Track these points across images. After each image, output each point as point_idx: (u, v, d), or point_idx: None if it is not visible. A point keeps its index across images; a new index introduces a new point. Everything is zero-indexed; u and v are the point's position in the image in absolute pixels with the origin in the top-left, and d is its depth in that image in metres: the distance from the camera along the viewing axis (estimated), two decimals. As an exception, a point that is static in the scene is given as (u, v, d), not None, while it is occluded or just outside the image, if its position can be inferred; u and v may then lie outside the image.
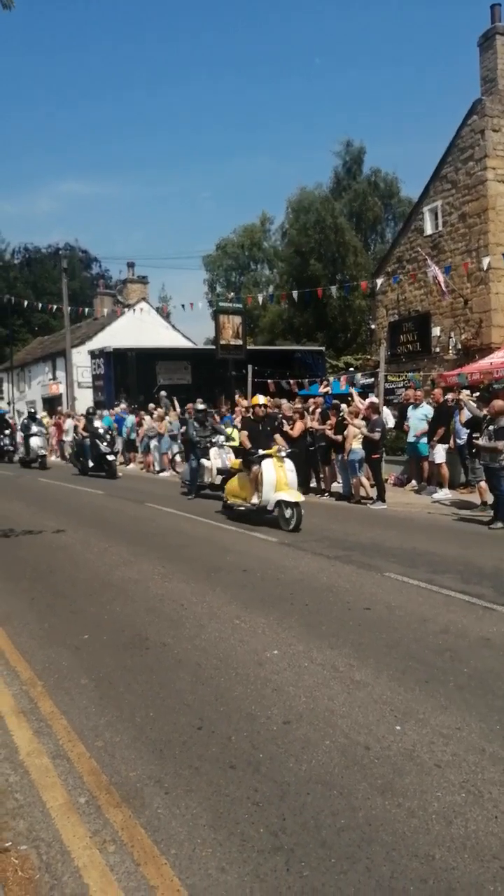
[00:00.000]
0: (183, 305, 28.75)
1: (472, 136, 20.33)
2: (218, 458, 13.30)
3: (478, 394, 14.28)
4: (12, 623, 5.77)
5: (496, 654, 4.77)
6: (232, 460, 12.43)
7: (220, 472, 12.70)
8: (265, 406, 11.12)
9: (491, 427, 9.93)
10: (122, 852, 2.77)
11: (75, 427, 21.78)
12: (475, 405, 11.74)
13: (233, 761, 3.42)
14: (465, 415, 12.43)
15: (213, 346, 26.87)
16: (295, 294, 26.35)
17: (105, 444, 18.05)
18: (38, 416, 24.06)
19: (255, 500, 10.14)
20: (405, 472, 14.50)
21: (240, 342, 26.08)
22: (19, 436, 23.71)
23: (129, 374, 27.47)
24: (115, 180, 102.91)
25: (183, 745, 3.61)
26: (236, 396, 21.06)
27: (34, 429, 21.72)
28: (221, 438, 13.64)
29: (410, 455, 13.97)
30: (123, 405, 24.05)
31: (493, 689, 4.20)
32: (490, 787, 3.14)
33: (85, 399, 30.06)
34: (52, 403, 34.89)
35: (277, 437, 10.91)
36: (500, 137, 19.97)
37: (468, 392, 13.51)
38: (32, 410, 23.96)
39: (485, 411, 10.71)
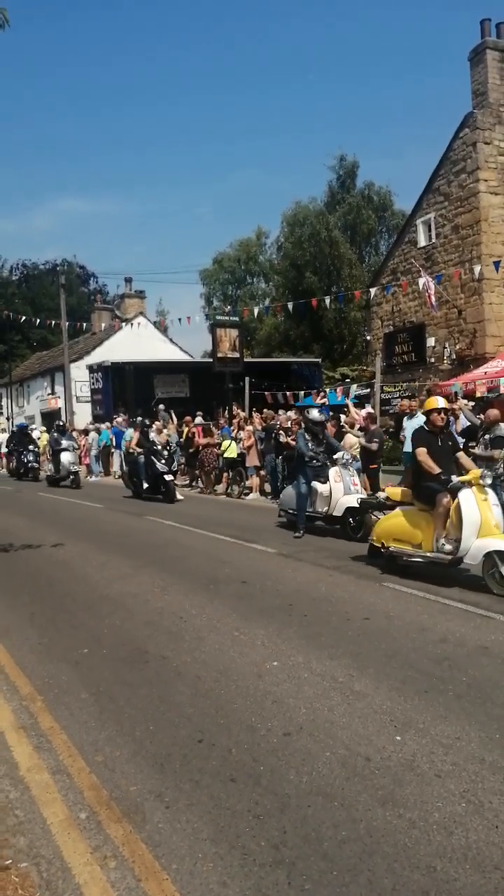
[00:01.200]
0: (180, 319, 28.72)
1: (465, 149, 20.53)
2: (340, 481, 10.46)
3: (472, 403, 14.32)
4: (11, 637, 5.76)
5: (494, 663, 4.77)
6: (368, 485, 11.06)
7: (366, 503, 9.16)
8: (445, 411, 7.91)
9: (487, 436, 9.96)
10: (124, 868, 2.76)
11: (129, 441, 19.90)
12: (472, 413, 11.77)
13: (233, 774, 3.41)
14: (462, 423, 12.46)
15: (211, 359, 26.93)
16: (291, 306, 26.45)
17: (163, 461, 15.34)
18: (67, 429, 22.12)
19: (443, 545, 7.06)
20: (402, 482, 14.49)
21: (237, 355, 26.15)
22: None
23: (127, 388, 27.52)
24: (113, 197, 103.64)
25: (183, 758, 3.60)
26: (234, 408, 21.11)
27: (64, 443, 19.45)
28: (346, 456, 10.95)
29: (407, 464, 13.97)
30: (122, 418, 24.05)
31: (491, 697, 4.20)
32: (490, 796, 3.13)
33: (84, 413, 30.10)
34: (50, 418, 34.91)
35: (461, 455, 7.76)
36: (492, 150, 20.17)
37: (465, 401, 13.56)
38: (61, 423, 21.64)
39: (481, 417, 10.74)
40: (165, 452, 15.56)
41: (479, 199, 20.03)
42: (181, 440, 19.06)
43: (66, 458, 19.06)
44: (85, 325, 34.65)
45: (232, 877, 2.66)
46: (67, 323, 31.51)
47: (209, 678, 4.68)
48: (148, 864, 2.76)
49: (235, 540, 9.87)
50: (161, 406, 23.86)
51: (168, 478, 15.07)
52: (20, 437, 23.61)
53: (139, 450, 15.81)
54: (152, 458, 15.28)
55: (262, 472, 15.54)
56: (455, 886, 2.55)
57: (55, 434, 20.08)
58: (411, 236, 23.31)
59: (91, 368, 29.98)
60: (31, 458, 22.45)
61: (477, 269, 18.97)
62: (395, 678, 4.55)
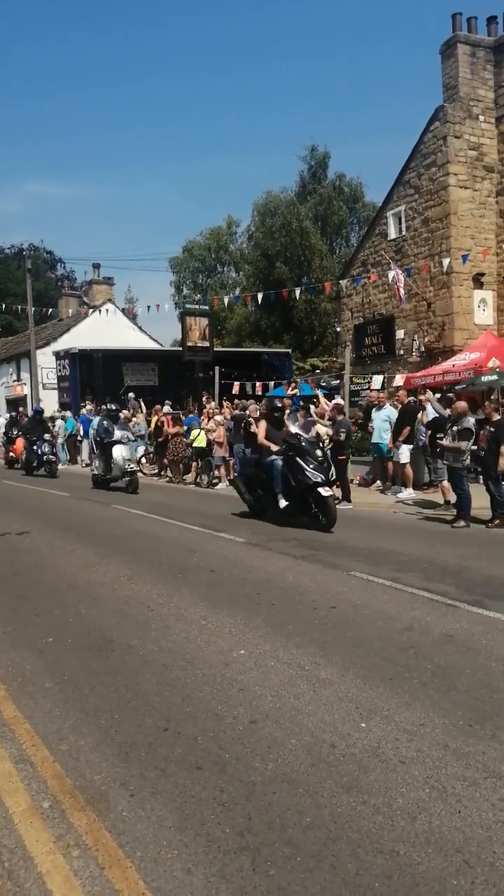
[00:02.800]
0: (149, 307, 28.65)
1: (435, 143, 20.64)
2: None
3: (439, 395, 14.49)
4: (-26, 627, 5.66)
5: (459, 651, 4.83)
6: None
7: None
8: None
9: (454, 427, 10.08)
10: (87, 856, 2.73)
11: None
12: (440, 406, 11.90)
13: (199, 762, 3.40)
14: (429, 415, 12.60)
15: (180, 348, 26.78)
16: (261, 296, 26.40)
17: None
18: (120, 414, 17.30)
19: None
20: (370, 473, 14.64)
21: (206, 344, 26.06)
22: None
23: (95, 376, 27.23)
24: (81, 181, 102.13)
25: (149, 746, 3.58)
26: (203, 398, 21.03)
27: (117, 433, 15.16)
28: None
29: (375, 455, 14.10)
30: (90, 406, 23.79)
31: (456, 685, 4.26)
32: (453, 782, 3.17)
33: (50, 401, 29.70)
34: (16, 405, 34.43)
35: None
36: (462, 144, 20.32)
37: (431, 392, 13.70)
38: (113, 408, 16.85)
39: (448, 412, 10.87)
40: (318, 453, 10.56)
41: (449, 193, 20.17)
42: (150, 429, 18.93)
43: (119, 453, 14.86)
44: (52, 311, 34.14)
45: (196, 864, 2.66)
46: (34, 308, 31.01)
47: (176, 667, 4.66)
48: (112, 852, 2.74)
49: (204, 529, 9.85)
50: (130, 394, 23.67)
51: (325, 492, 9.85)
52: (34, 424, 19.90)
53: (273, 447, 10.60)
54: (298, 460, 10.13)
55: (231, 461, 15.52)
56: (418, 870, 2.58)
57: (104, 422, 15.85)
58: (381, 228, 23.40)
59: (58, 355, 29.61)
60: (48, 450, 18.78)
61: (446, 262, 19.13)
62: (360, 666, 4.59)
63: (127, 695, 4.23)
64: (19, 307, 34.88)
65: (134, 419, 19.54)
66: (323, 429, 12.66)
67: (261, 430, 10.91)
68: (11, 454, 22.07)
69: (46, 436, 19.46)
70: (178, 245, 72.33)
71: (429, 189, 20.92)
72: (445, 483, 11.08)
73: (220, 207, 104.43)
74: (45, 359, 31.05)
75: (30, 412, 22.26)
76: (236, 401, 17.67)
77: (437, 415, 11.92)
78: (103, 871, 2.64)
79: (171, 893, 2.51)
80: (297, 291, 25.75)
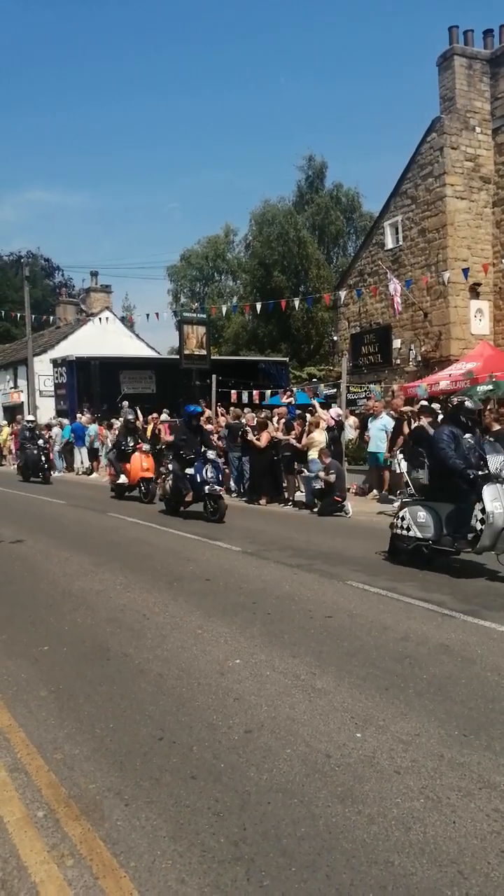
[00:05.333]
0: (147, 315, 28.61)
1: (432, 153, 20.80)
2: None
3: (438, 405, 14.52)
4: (-31, 635, 5.65)
5: (454, 661, 4.84)
6: None
7: None
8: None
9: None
10: (81, 866, 2.72)
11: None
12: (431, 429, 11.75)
13: (194, 772, 3.40)
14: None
15: (177, 356, 26.80)
16: (258, 305, 26.49)
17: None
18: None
19: None
20: (367, 482, 14.64)
21: (204, 352, 26.07)
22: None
23: (93, 383, 27.22)
24: (81, 189, 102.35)
25: (143, 756, 3.58)
26: (202, 406, 21.03)
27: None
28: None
29: (371, 465, 14.12)
30: (87, 416, 23.76)
31: (451, 695, 4.26)
32: (448, 792, 3.17)
33: (47, 408, 29.69)
34: (12, 412, 34.41)
35: None
36: (459, 155, 20.47)
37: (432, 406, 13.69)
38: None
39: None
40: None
41: (446, 204, 20.31)
42: (148, 437, 18.91)
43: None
44: (52, 318, 34.15)
45: (191, 873, 2.65)
46: (33, 315, 31.05)
47: (171, 676, 4.65)
48: (106, 862, 2.73)
49: (200, 538, 9.85)
50: (125, 402, 23.67)
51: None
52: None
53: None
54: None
55: (227, 470, 15.52)
56: (412, 881, 2.58)
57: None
58: (379, 238, 23.53)
59: (55, 362, 29.60)
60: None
61: (446, 275, 19.23)
62: (356, 676, 4.59)
63: (122, 704, 4.23)
64: (17, 314, 34.93)
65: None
66: (320, 436, 12.69)
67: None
68: (123, 477, 14.81)
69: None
70: (175, 253, 72.67)
71: (426, 199, 21.06)
72: None
73: (218, 216, 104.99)
74: (43, 366, 31.07)
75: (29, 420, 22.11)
76: (232, 409, 17.66)
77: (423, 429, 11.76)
78: (97, 880, 2.64)
79: (166, 904, 2.50)
80: (297, 302, 25.81)
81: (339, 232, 41.79)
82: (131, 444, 14.73)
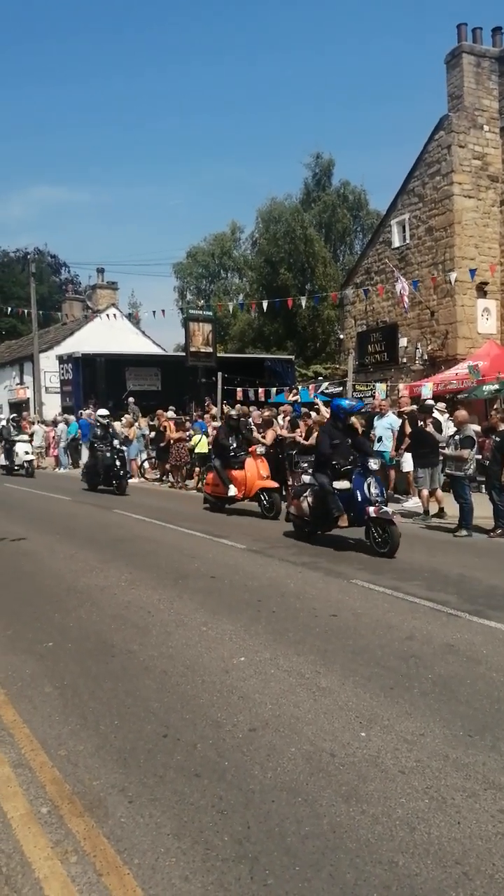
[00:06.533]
0: (154, 312, 28.49)
1: (439, 151, 20.70)
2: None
3: (443, 404, 14.50)
4: (-26, 631, 5.66)
5: (460, 661, 4.82)
6: None
7: None
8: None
9: (456, 436, 10.08)
10: (85, 863, 2.72)
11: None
12: (434, 430, 11.71)
13: (198, 769, 3.40)
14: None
15: (183, 353, 26.83)
16: (265, 303, 26.46)
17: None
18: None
19: None
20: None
21: (210, 350, 26.10)
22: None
23: (98, 380, 27.27)
24: (87, 186, 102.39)
25: (148, 753, 3.57)
26: (206, 403, 21.06)
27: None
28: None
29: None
30: (90, 411, 23.80)
31: (456, 695, 4.25)
32: (453, 793, 3.16)
33: (53, 404, 29.75)
34: (18, 408, 34.49)
35: None
36: (466, 153, 20.38)
37: (438, 406, 13.65)
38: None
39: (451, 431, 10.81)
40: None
41: (453, 202, 20.22)
42: (152, 434, 18.95)
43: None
44: (59, 314, 34.13)
45: (194, 871, 2.65)
46: (39, 312, 31.09)
47: (175, 673, 4.65)
48: (110, 859, 2.73)
49: (205, 535, 9.85)
50: (131, 399, 23.70)
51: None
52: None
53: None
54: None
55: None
56: (416, 881, 2.57)
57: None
58: (385, 236, 23.44)
59: (61, 359, 29.66)
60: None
61: (453, 275, 19.16)
62: (361, 675, 4.57)
63: (126, 700, 4.23)
64: (24, 311, 34.95)
65: (136, 424, 19.57)
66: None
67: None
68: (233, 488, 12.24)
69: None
70: (182, 251, 72.69)
71: (433, 198, 20.97)
72: (425, 492, 11.04)
73: (225, 213, 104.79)
74: (49, 362, 31.14)
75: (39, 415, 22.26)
76: (237, 406, 17.67)
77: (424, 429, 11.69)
78: (101, 877, 2.63)
79: (169, 901, 2.50)
80: (303, 300, 25.78)
81: (345, 230, 41.68)
82: (233, 444, 12.23)
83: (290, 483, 13.84)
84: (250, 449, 12.02)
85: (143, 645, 5.21)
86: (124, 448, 16.12)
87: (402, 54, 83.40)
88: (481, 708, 4.05)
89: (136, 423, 19.62)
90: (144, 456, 19.12)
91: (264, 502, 11.64)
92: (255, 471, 11.76)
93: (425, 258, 21.35)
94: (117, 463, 15.34)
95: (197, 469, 16.41)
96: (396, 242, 22.77)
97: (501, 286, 20.78)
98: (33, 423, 24.90)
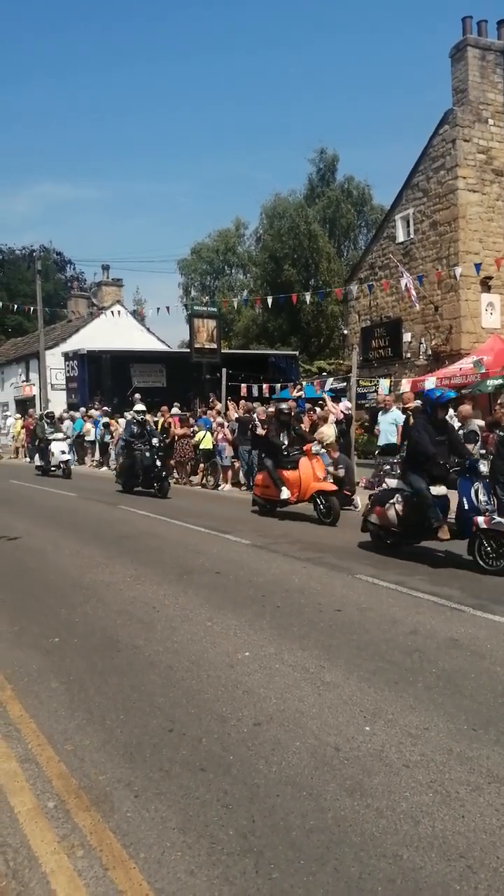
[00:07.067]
0: (158, 309, 28.47)
1: (444, 146, 20.63)
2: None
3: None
4: (-19, 627, 5.69)
5: (464, 655, 4.83)
6: None
7: None
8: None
9: (461, 431, 10.05)
10: (91, 857, 2.74)
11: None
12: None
13: (203, 764, 3.41)
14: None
15: (188, 350, 26.82)
16: (269, 299, 26.43)
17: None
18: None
19: None
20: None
21: (214, 346, 26.08)
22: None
23: (104, 377, 27.32)
24: (92, 183, 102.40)
25: (153, 747, 3.59)
26: (210, 399, 21.05)
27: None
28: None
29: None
30: (94, 410, 23.84)
31: (460, 689, 4.25)
32: (457, 786, 3.17)
33: (59, 401, 29.82)
34: (24, 405, 34.57)
35: None
36: (471, 147, 20.30)
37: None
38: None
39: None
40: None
41: (458, 197, 20.16)
42: (158, 430, 18.95)
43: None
44: (65, 311, 34.12)
45: (200, 865, 2.67)
46: (46, 309, 31.14)
47: (181, 668, 4.67)
48: (116, 853, 2.75)
49: (210, 531, 9.86)
50: (137, 395, 23.72)
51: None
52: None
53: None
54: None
55: (237, 464, 15.53)
56: (421, 875, 2.58)
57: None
58: (390, 231, 23.39)
59: (67, 356, 29.69)
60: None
61: (458, 270, 19.12)
62: (365, 669, 4.59)
63: (132, 695, 4.25)
64: (30, 308, 35.01)
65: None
66: (329, 430, 12.65)
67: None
68: (286, 491, 11.22)
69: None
70: (186, 247, 72.64)
71: (437, 192, 20.91)
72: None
73: (229, 209, 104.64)
74: (54, 359, 31.19)
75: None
76: (241, 402, 17.66)
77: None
78: (107, 871, 2.65)
79: (175, 895, 2.52)
80: (307, 295, 25.75)
81: (349, 225, 41.62)
82: (285, 442, 11.29)
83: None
84: (305, 447, 11.02)
85: (148, 640, 5.24)
86: (161, 445, 14.82)
87: (407, 48, 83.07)
88: (485, 702, 4.06)
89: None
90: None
91: (321, 507, 10.58)
92: (311, 471, 10.76)
93: (429, 253, 21.29)
94: (157, 463, 14.10)
95: (201, 465, 16.43)
96: (401, 237, 22.72)
97: (506, 280, 20.71)
98: (40, 420, 24.83)
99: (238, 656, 4.86)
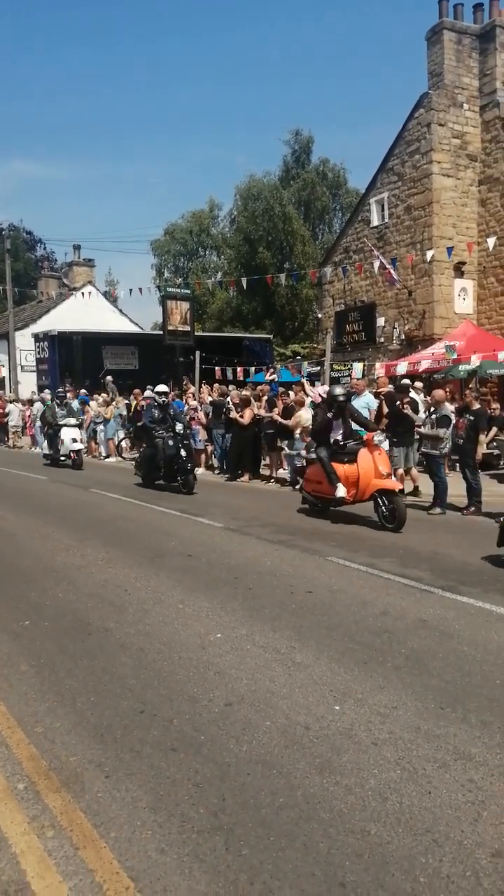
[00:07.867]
0: (131, 290, 28.15)
1: (419, 130, 20.63)
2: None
3: (420, 384, 14.58)
4: (-51, 610, 5.63)
5: (432, 635, 4.91)
6: None
7: None
8: None
9: (433, 416, 10.16)
10: (61, 837, 2.75)
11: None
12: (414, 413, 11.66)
13: (174, 744, 3.43)
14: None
15: (161, 332, 26.61)
16: (244, 281, 26.29)
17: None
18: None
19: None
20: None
21: (188, 328, 25.89)
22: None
23: (75, 359, 26.97)
24: (63, 162, 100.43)
25: (124, 729, 3.60)
26: (184, 383, 20.95)
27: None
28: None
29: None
30: (60, 391, 23.51)
31: (428, 668, 4.32)
32: (424, 763, 3.23)
33: (29, 383, 29.42)
34: (-7, 387, 34.06)
35: None
36: (446, 132, 20.32)
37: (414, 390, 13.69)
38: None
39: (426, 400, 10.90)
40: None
41: (432, 181, 20.20)
42: (130, 413, 18.84)
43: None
44: (34, 291, 33.62)
45: (170, 843, 2.69)
46: (15, 289, 30.63)
47: (152, 650, 4.68)
48: (86, 833, 2.76)
49: (182, 514, 9.86)
50: (109, 378, 23.50)
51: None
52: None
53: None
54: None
55: (210, 448, 15.52)
56: (388, 849, 2.63)
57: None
58: (364, 215, 23.38)
59: (37, 337, 29.24)
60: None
61: (430, 253, 19.19)
62: (335, 650, 4.64)
63: (103, 677, 4.25)
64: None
65: (113, 403, 19.43)
66: (307, 414, 12.69)
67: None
68: (342, 488, 9.76)
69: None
70: (159, 228, 71.82)
71: (412, 177, 20.92)
72: (400, 471, 11.10)
73: (203, 190, 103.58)
74: (24, 341, 30.73)
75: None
76: (215, 385, 17.61)
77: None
78: (77, 851, 2.66)
79: (145, 873, 2.54)
80: (283, 277, 25.66)
81: (324, 208, 41.45)
82: (340, 431, 9.61)
83: (266, 461, 13.92)
84: (366, 437, 9.24)
85: (119, 623, 5.23)
86: (188, 433, 12.89)
87: (385, 30, 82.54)
88: (452, 681, 4.14)
89: (114, 402, 19.48)
90: (122, 435, 19.02)
91: (383, 508, 8.83)
92: (372, 466, 8.99)
93: (404, 237, 21.34)
94: (182, 453, 12.04)
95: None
96: (375, 221, 22.73)
97: (479, 266, 20.87)
98: (9, 402, 24.48)
99: (210, 638, 4.88)
